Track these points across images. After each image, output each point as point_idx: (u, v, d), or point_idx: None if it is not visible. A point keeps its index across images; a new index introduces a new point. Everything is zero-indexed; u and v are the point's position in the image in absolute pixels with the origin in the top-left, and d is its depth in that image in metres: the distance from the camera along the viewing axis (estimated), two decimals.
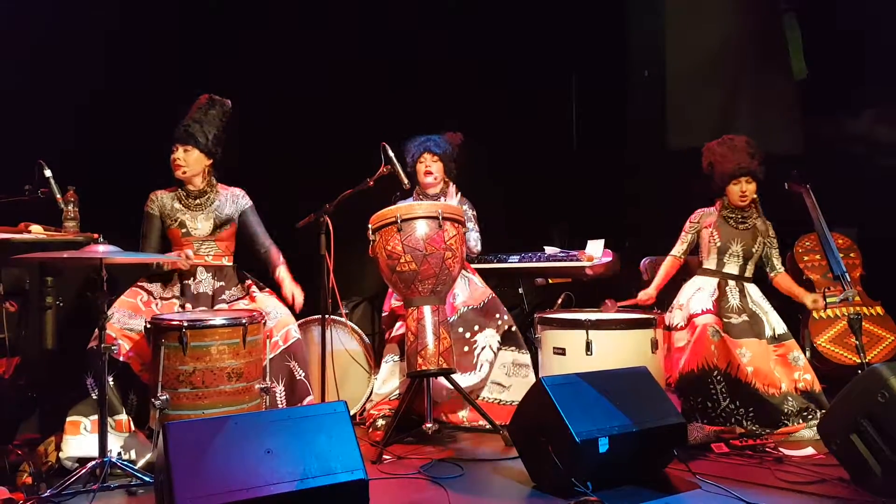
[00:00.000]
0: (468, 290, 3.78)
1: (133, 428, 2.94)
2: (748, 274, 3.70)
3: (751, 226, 3.69)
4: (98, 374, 2.72)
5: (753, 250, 3.67)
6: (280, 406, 3.10)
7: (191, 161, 3.26)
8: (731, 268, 3.68)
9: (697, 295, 3.63)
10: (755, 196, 3.69)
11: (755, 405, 3.32)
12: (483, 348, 3.62)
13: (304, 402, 3.13)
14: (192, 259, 3.24)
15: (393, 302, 3.77)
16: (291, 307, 3.33)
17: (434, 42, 5.08)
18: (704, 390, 3.34)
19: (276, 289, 3.43)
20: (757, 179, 3.65)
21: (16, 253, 2.76)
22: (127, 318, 3.07)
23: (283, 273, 3.39)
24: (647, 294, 3.78)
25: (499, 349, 3.66)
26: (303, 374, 3.17)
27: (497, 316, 3.72)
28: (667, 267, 3.83)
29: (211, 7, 4.39)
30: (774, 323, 3.59)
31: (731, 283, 3.66)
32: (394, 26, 4.91)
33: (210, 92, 3.40)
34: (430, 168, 3.80)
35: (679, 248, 3.83)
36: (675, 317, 3.63)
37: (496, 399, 3.61)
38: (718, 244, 3.69)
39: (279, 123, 4.55)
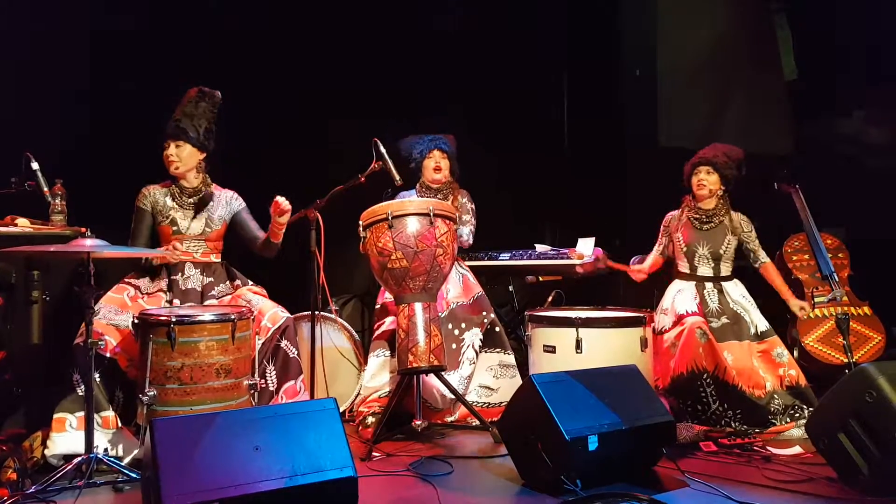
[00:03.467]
0: (461, 285, 3.79)
1: (119, 425, 2.91)
2: (724, 273, 3.70)
3: (717, 224, 3.68)
4: (84, 370, 2.69)
5: (721, 250, 3.66)
6: (271, 387, 3.08)
7: (184, 156, 3.22)
8: (704, 270, 3.69)
9: (679, 297, 3.64)
10: (718, 192, 3.68)
11: (742, 407, 3.34)
12: (468, 346, 3.62)
13: (298, 381, 3.11)
14: (181, 251, 3.19)
15: (386, 295, 3.76)
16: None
17: (430, 41, 5.08)
18: (694, 393, 3.35)
19: (266, 286, 3.42)
20: (720, 173, 3.66)
21: (1, 246, 2.73)
22: (113, 314, 3.04)
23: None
24: (640, 268, 3.88)
25: (480, 348, 3.66)
26: (295, 353, 3.13)
27: (483, 313, 3.73)
28: (653, 258, 3.90)
29: (212, 6, 4.36)
30: (757, 320, 3.60)
31: (709, 285, 3.67)
32: (391, 26, 4.89)
33: (205, 84, 3.37)
34: (440, 164, 3.88)
35: (657, 250, 3.89)
36: (662, 320, 3.64)
37: (485, 403, 3.61)
38: (684, 248, 3.71)
39: (273, 119, 4.54)
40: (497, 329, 3.75)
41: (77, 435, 2.77)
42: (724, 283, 3.68)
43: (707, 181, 3.66)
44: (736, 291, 3.68)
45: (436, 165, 3.88)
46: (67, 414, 2.85)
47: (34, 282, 3.08)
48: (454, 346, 3.60)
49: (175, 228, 3.23)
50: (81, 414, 2.74)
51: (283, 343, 3.12)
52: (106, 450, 2.78)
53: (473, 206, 3.96)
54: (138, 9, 4.11)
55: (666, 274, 3.92)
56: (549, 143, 5.81)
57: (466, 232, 3.88)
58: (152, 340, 2.74)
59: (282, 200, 3.10)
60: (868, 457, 2.50)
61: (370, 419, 3.44)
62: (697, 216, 3.71)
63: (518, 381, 3.65)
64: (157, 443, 2.12)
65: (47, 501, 2.46)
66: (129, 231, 3.26)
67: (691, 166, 3.73)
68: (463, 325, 3.66)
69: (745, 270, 3.78)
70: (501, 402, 3.55)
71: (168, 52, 4.13)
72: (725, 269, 3.70)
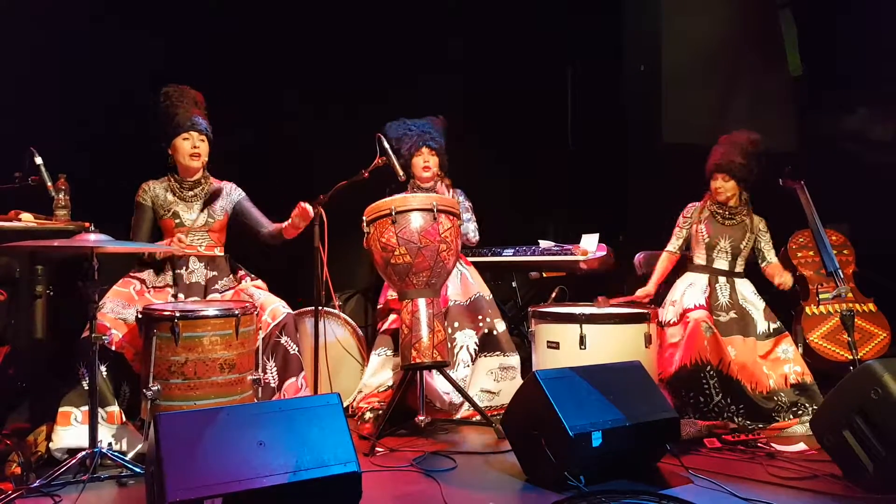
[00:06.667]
0: (459, 283, 3.78)
1: (124, 420, 2.92)
2: (738, 269, 3.72)
3: (739, 222, 3.70)
4: (90, 364, 2.69)
5: (742, 246, 3.68)
6: (272, 384, 3.07)
7: (205, 151, 3.26)
8: (721, 263, 3.70)
9: (689, 291, 3.64)
10: (743, 194, 3.70)
11: (745, 402, 3.34)
12: (462, 347, 3.61)
13: (299, 378, 3.10)
14: (185, 243, 3.19)
15: (389, 294, 3.75)
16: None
17: (432, 38, 5.06)
18: (697, 385, 3.35)
19: (269, 282, 3.41)
20: (736, 178, 3.65)
21: (5, 241, 2.72)
22: (121, 308, 3.05)
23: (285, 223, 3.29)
24: (646, 291, 3.78)
25: (476, 352, 3.65)
26: (296, 349, 3.12)
27: (479, 317, 3.71)
28: (663, 263, 3.84)
29: (211, 7, 4.36)
30: (768, 319, 3.60)
31: (722, 279, 3.68)
32: (393, 24, 4.88)
33: (206, 83, 3.37)
34: (429, 163, 3.82)
35: (675, 244, 3.85)
36: (668, 313, 3.64)
37: (487, 406, 3.58)
38: (707, 240, 3.70)
39: (276, 115, 4.53)
40: (495, 333, 3.72)
41: (82, 429, 2.78)
42: (736, 280, 3.69)
43: (724, 188, 3.68)
44: (747, 289, 3.69)
45: (424, 165, 3.81)
46: (72, 408, 2.86)
47: (38, 276, 3.08)
48: (448, 345, 3.59)
49: (178, 221, 3.24)
50: (86, 408, 2.75)
51: (283, 340, 3.10)
52: (110, 444, 2.79)
53: (470, 204, 3.93)
54: (137, 6, 4.10)
55: (671, 272, 3.91)
56: (553, 138, 5.80)
57: (472, 229, 3.88)
58: (156, 335, 2.74)
59: (308, 208, 3.15)
60: (873, 454, 2.49)
61: (368, 415, 3.44)
62: (721, 211, 3.72)
63: (519, 382, 3.63)
64: (160, 437, 2.12)
65: (52, 495, 2.46)
66: (130, 228, 3.26)
67: (709, 171, 3.71)
68: (456, 325, 3.65)
69: (752, 269, 3.77)
70: (503, 405, 3.51)
71: (171, 50, 4.12)
72: (740, 265, 3.72)
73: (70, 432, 2.82)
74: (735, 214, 3.71)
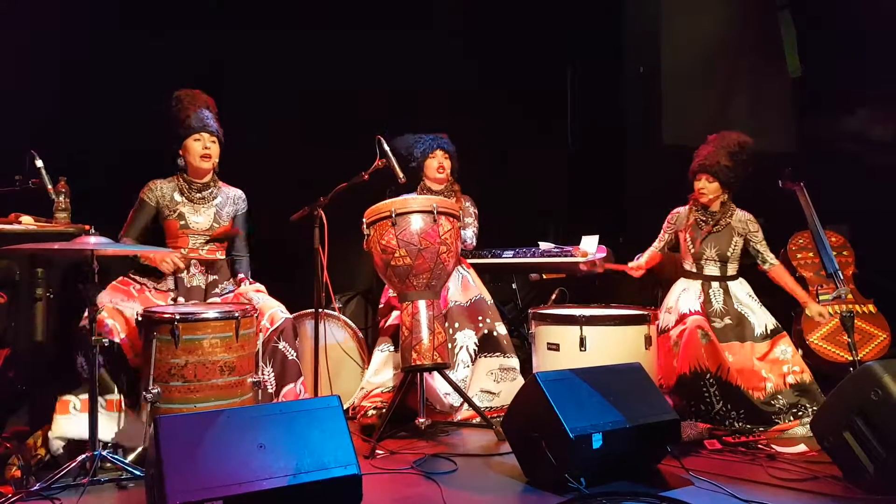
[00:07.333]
0: (459, 285, 3.79)
1: (124, 407, 2.90)
2: (731, 273, 3.69)
3: (723, 226, 3.67)
4: (89, 361, 2.68)
5: (728, 253, 3.65)
6: (269, 389, 3.06)
7: (216, 153, 3.26)
8: (711, 270, 3.68)
9: (684, 296, 3.64)
10: (721, 197, 3.67)
11: (745, 407, 3.33)
12: (461, 348, 3.61)
13: (297, 383, 3.07)
14: (181, 265, 3.18)
15: (390, 292, 3.76)
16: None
17: (432, 38, 5.07)
18: (698, 394, 3.33)
19: (269, 283, 3.41)
20: (720, 180, 3.61)
21: (6, 244, 2.73)
22: (119, 301, 3.04)
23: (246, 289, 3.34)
24: (638, 265, 3.87)
25: (476, 352, 3.65)
26: (294, 355, 3.09)
27: (479, 318, 3.72)
28: (650, 254, 3.90)
29: (211, 7, 4.36)
30: (764, 320, 3.59)
31: (715, 284, 3.66)
32: (393, 24, 4.88)
33: (206, 81, 3.37)
34: (444, 164, 3.88)
35: (657, 245, 3.88)
36: (666, 319, 3.63)
37: (487, 407, 3.59)
38: (693, 250, 3.70)
39: (276, 117, 4.54)
40: (495, 334, 3.73)
41: (81, 417, 2.78)
42: (729, 283, 3.67)
43: (707, 189, 3.65)
44: (742, 291, 3.67)
45: (439, 165, 3.87)
46: (71, 396, 2.85)
47: (38, 279, 3.08)
48: (449, 345, 3.59)
49: (183, 223, 3.22)
50: (85, 396, 2.74)
51: (281, 345, 3.08)
52: (108, 444, 2.78)
53: (476, 211, 3.98)
54: (139, 8, 4.11)
55: (671, 272, 3.91)
56: (553, 139, 5.80)
57: (470, 234, 3.90)
58: (156, 338, 2.74)
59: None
60: (873, 455, 2.49)
61: (371, 411, 3.44)
62: (704, 218, 3.70)
63: (520, 383, 3.63)
64: (160, 440, 2.12)
65: (51, 499, 2.46)
66: (125, 221, 3.21)
67: (692, 172, 3.69)
68: (456, 325, 3.65)
69: (749, 268, 3.76)
70: (503, 406, 3.53)
71: (171, 50, 4.12)
72: (731, 269, 3.70)
73: (69, 421, 2.81)
74: (719, 220, 3.67)
